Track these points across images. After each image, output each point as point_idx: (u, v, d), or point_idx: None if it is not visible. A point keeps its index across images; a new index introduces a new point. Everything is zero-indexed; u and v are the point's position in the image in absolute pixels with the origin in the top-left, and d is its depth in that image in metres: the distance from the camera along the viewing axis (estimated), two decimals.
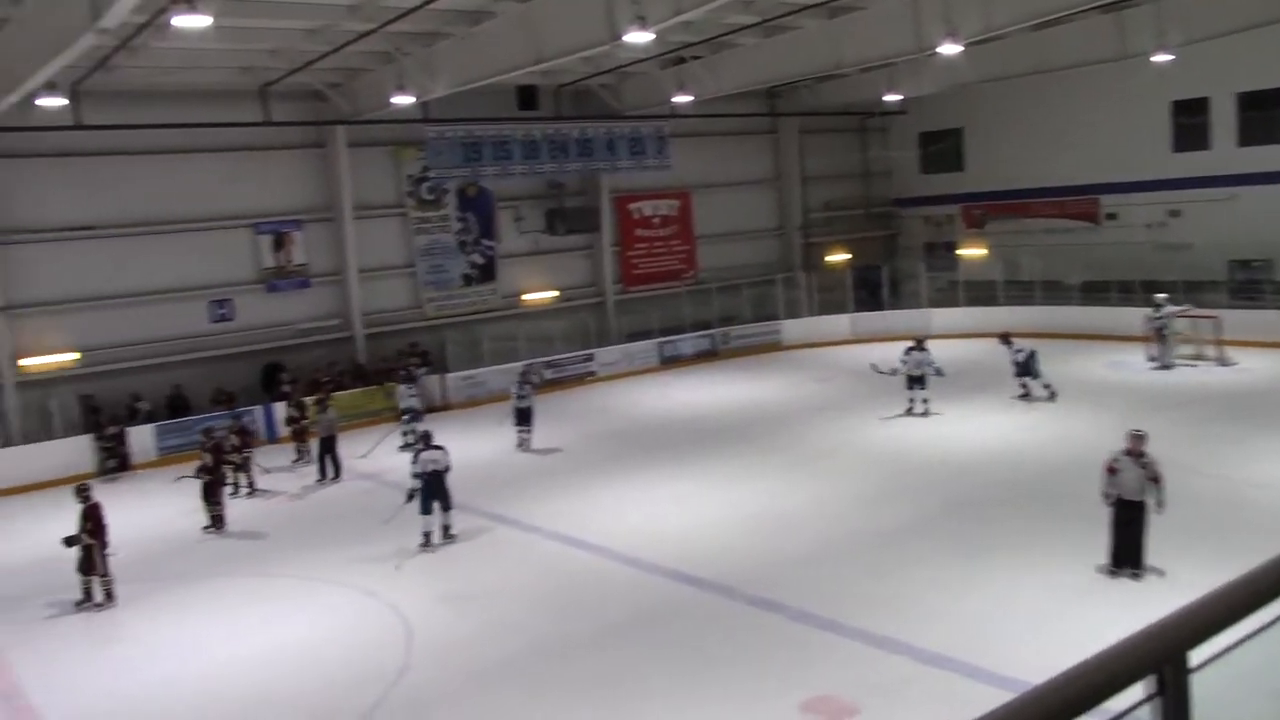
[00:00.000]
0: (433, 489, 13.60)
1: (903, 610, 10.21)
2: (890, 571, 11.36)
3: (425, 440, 13.94)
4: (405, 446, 19.30)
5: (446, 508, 13.75)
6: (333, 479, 18.26)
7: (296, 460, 19.47)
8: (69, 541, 12.32)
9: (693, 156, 29.64)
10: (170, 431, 20.70)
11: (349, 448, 19.05)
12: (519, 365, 23.52)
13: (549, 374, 26.39)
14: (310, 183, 24.67)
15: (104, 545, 12.45)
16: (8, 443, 20.22)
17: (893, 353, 19.80)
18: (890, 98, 27.61)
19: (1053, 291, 27.73)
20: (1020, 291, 28.22)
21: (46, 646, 11.33)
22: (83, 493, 12.61)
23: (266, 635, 11.09)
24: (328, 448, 18.44)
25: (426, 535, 13.61)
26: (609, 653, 9.86)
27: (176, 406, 21.81)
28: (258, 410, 21.97)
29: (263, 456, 18.47)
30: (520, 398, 19.58)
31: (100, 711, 9.57)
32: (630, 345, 28.39)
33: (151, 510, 16.85)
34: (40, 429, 20.60)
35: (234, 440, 17.57)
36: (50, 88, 16.57)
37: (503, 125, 25.34)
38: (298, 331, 24.39)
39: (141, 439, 20.68)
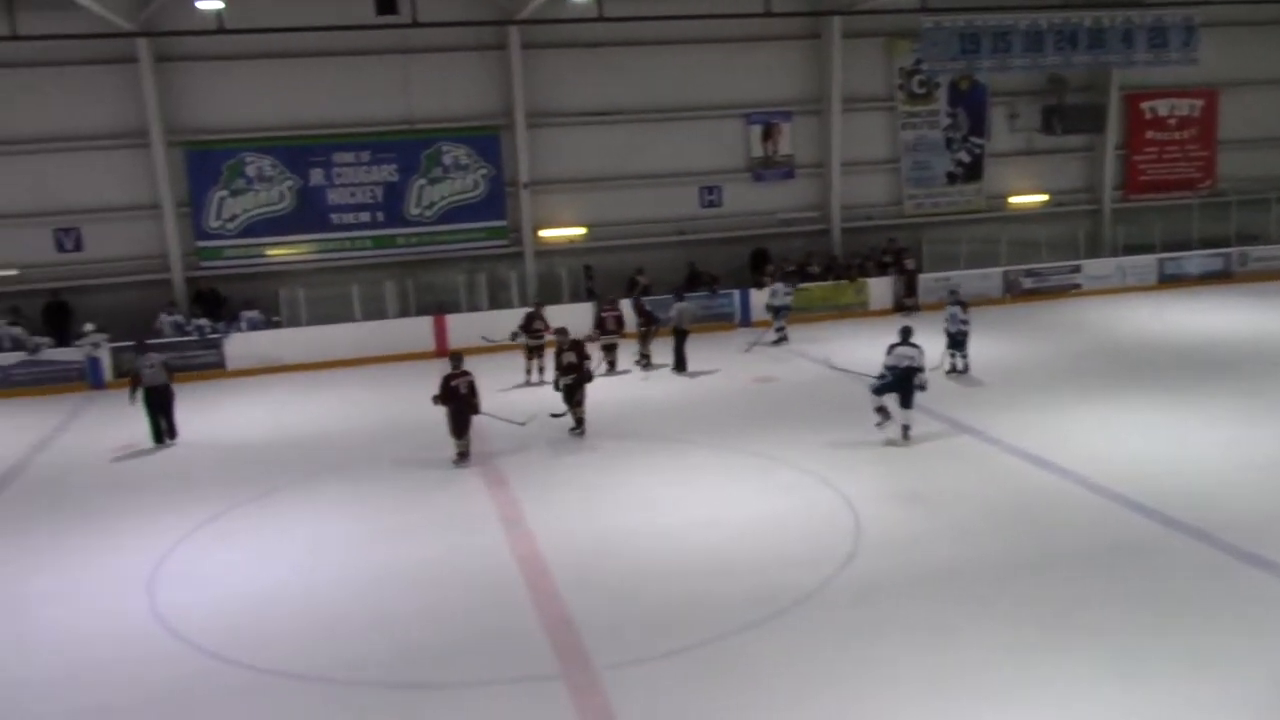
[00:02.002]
0: (900, 384, 13.57)
1: None
2: None
3: (904, 335, 13.85)
4: (777, 342, 20.71)
5: (906, 405, 13.67)
6: (680, 371, 18.81)
7: (638, 361, 19.57)
8: (434, 400, 13.69)
9: (1225, 49, 26.06)
10: (657, 307, 22.18)
11: (813, 338, 19.42)
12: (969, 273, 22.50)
13: (1029, 283, 25.06)
14: (802, 74, 24.99)
15: (465, 412, 13.57)
16: (524, 304, 23.08)
17: None
18: None
19: None
20: None
21: (542, 484, 12.98)
22: (453, 360, 13.92)
23: (721, 504, 11.83)
24: (680, 341, 18.96)
25: (881, 410, 13.62)
26: (1057, 580, 9.36)
27: (692, 281, 23.57)
28: (736, 294, 23.24)
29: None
30: (951, 320, 17.53)
31: (579, 544, 10.81)
32: (1125, 259, 26.07)
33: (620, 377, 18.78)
34: (550, 294, 23.26)
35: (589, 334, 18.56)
36: None
37: (1005, 15, 23.77)
38: (779, 221, 25.20)
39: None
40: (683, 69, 24.06)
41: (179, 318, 21.55)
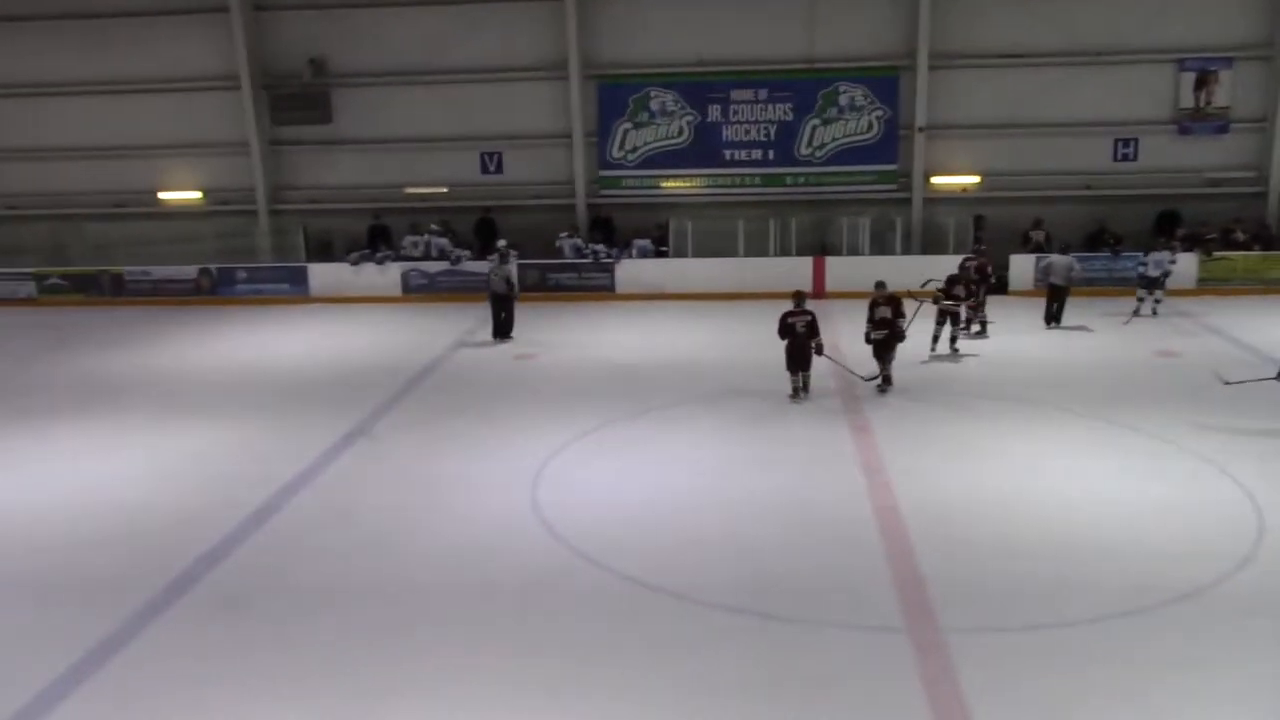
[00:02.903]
0: None
1: None
2: None
3: None
4: (1135, 313, 19.07)
5: None
6: (1049, 325, 18.45)
7: (966, 326, 17.40)
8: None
9: None
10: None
11: (1230, 312, 17.47)
12: None
13: None
14: (1252, 13, 22.08)
15: (801, 349, 14.01)
16: (907, 251, 22.62)
17: None
18: None
19: None
20: None
21: (909, 436, 12.73)
22: (795, 299, 14.28)
23: (1101, 483, 11.03)
24: (1053, 296, 18.49)
25: None
26: None
27: (1093, 240, 22.17)
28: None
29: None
30: None
31: (939, 503, 10.50)
32: None
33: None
34: (935, 245, 22.56)
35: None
36: None
37: None
38: (1203, 180, 22.69)
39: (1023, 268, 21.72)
40: (1108, 7, 22.07)
41: (578, 241, 23.17)
